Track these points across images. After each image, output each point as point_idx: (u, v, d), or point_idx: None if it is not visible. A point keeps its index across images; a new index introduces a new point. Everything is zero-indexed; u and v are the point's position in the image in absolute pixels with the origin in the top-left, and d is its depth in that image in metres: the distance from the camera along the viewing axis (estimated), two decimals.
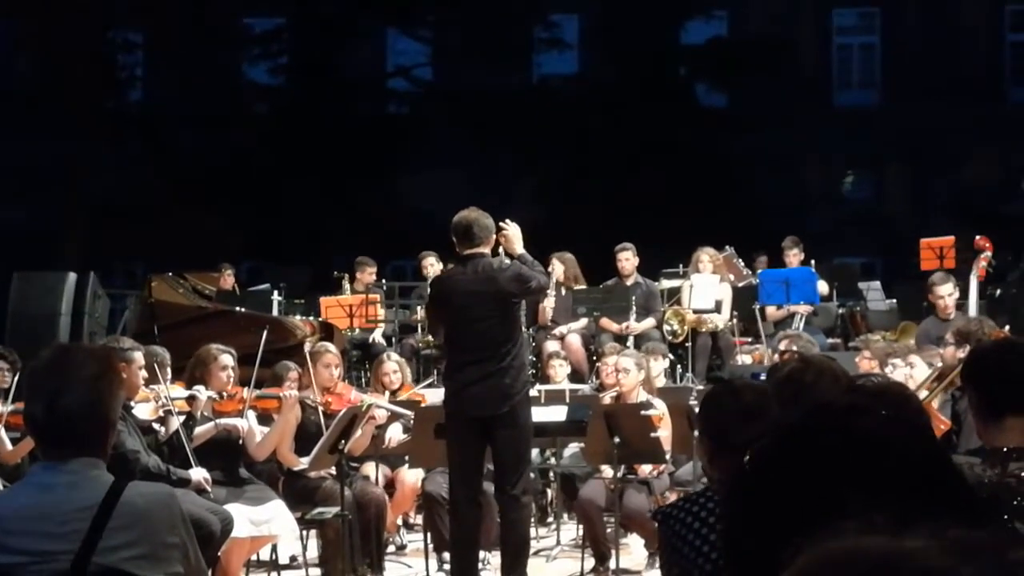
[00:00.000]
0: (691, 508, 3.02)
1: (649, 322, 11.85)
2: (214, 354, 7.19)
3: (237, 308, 10.98)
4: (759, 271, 12.90)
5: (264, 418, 7.43)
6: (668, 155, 21.42)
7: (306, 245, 19.98)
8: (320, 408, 7.78)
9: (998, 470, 3.18)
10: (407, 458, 8.37)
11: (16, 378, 8.14)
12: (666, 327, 11.92)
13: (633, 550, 8.28)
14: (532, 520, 7.82)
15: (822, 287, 12.55)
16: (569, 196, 21.86)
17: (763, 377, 4.46)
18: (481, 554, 7.27)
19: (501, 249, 6.94)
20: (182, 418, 6.81)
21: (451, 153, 21.74)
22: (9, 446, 7.09)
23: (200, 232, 19.18)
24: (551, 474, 9.21)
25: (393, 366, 8.94)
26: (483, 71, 22.69)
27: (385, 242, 15.88)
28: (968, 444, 6.06)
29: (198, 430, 6.89)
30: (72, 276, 12.04)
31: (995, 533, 0.92)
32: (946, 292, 9.70)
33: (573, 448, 8.91)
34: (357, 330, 12.16)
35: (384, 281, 14.15)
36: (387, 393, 8.79)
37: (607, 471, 7.77)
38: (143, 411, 6.77)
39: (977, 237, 10.21)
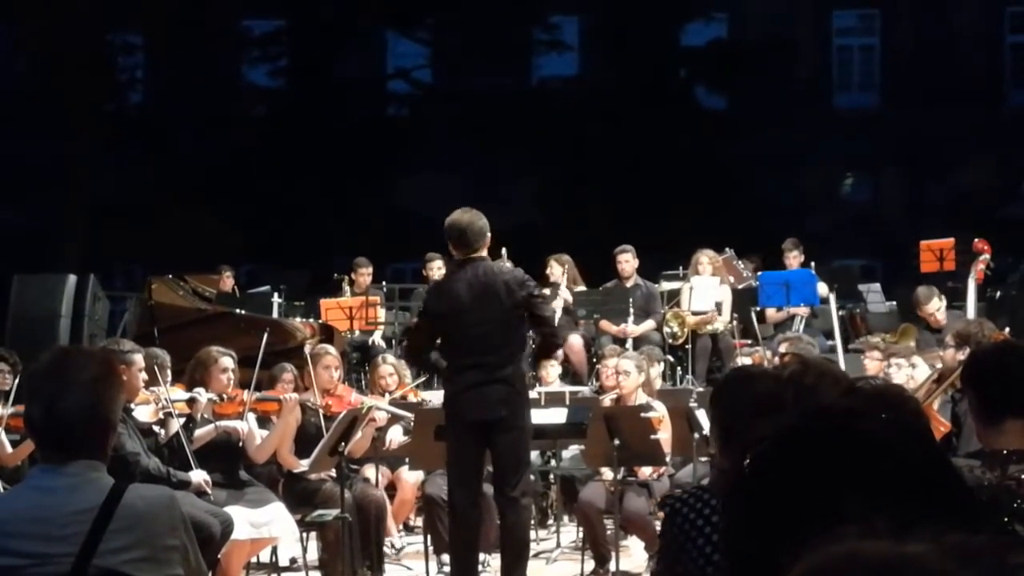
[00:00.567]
0: (695, 504, 2.99)
1: (648, 324, 11.86)
2: (214, 356, 7.19)
3: (237, 310, 10.98)
4: (758, 273, 12.91)
5: (264, 420, 7.43)
6: (668, 157, 21.42)
7: (306, 247, 19.99)
8: (320, 410, 7.79)
9: (997, 473, 3.19)
10: (407, 460, 8.38)
11: (16, 380, 8.16)
12: (666, 329, 11.93)
13: (633, 552, 8.28)
14: (532, 522, 7.81)
15: (822, 289, 12.55)
16: (569, 198, 21.86)
17: None
18: (481, 556, 7.27)
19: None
20: (182, 420, 6.81)
21: (451, 155, 21.74)
22: (9, 449, 7.09)
23: (200, 234, 19.18)
24: (551, 476, 9.21)
25: (389, 368, 8.95)
26: (482, 73, 22.69)
27: (385, 244, 15.88)
28: (968, 446, 6.06)
29: (198, 432, 6.89)
30: (72, 278, 12.03)
31: (994, 537, 0.92)
32: (933, 308, 9.75)
33: (573, 450, 8.92)
34: (357, 332, 12.16)
35: (384, 283, 14.15)
36: (386, 395, 8.80)
37: (607, 473, 7.77)
38: (143, 413, 6.76)
39: (976, 240, 10.21)
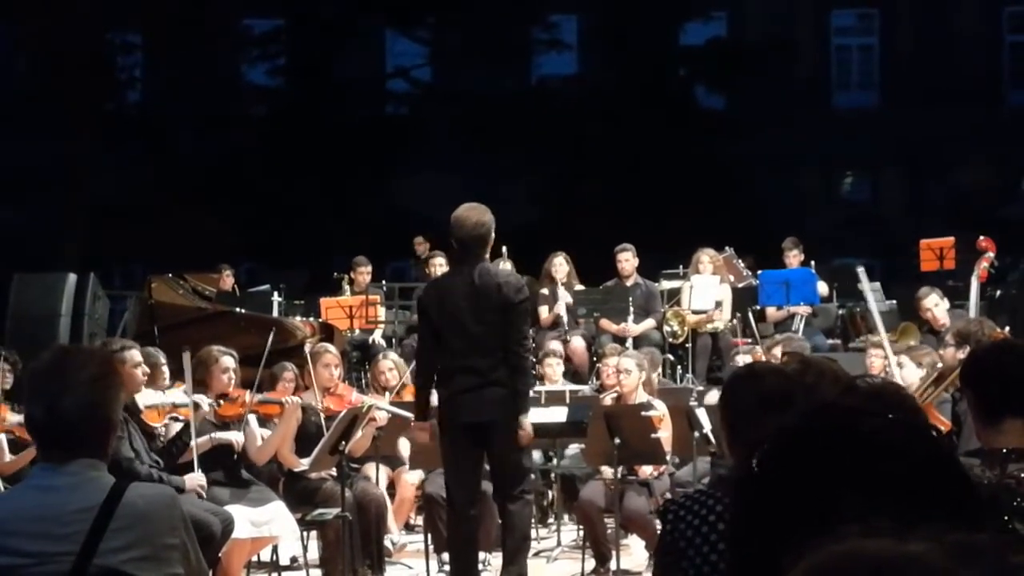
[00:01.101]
0: (698, 509, 2.98)
1: (648, 323, 11.86)
2: (215, 356, 7.18)
3: (237, 309, 10.98)
4: (759, 272, 12.91)
5: (265, 420, 7.43)
6: (667, 156, 21.43)
7: (305, 246, 20.00)
8: (320, 409, 7.79)
9: (997, 471, 3.19)
10: (407, 459, 8.38)
11: (16, 379, 8.16)
12: (666, 328, 11.93)
13: (634, 551, 8.28)
14: (532, 521, 7.80)
15: (822, 288, 12.55)
16: (568, 197, 21.87)
17: None
18: (481, 555, 7.27)
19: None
20: (180, 424, 6.81)
21: (450, 154, 21.74)
22: (8, 457, 7.07)
23: (199, 233, 19.18)
24: (551, 475, 9.22)
25: (389, 364, 8.97)
26: (482, 72, 22.70)
27: (384, 243, 15.89)
28: (968, 445, 6.05)
29: (198, 440, 6.85)
30: (72, 277, 12.03)
31: (996, 536, 0.92)
32: (932, 304, 9.69)
33: (573, 449, 8.92)
34: (357, 331, 12.16)
35: (384, 282, 14.15)
36: (387, 394, 8.81)
37: (607, 472, 7.77)
38: (151, 415, 6.77)
39: (980, 238, 10.17)
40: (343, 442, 7.14)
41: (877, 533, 0.94)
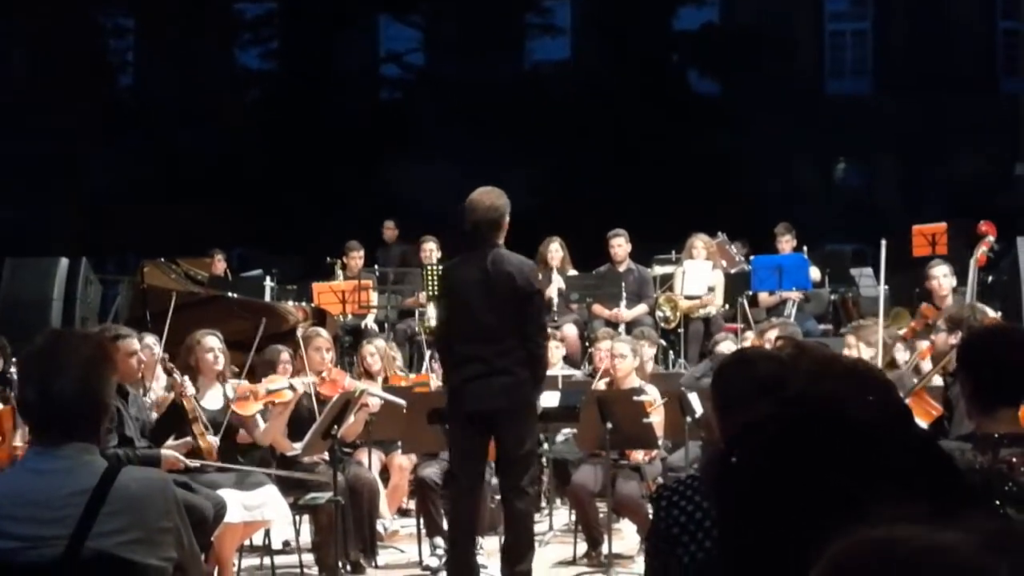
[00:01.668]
0: (691, 495, 2.97)
1: (640, 309, 11.86)
2: (198, 338, 7.16)
3: (229, 294, 10.96)
4: (751, 258, 12.92)
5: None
6: (660, 142, 21.42)
7: (298, 231, 19.97)
8: (313, 394, 7.79)
9: (989, 456, 3.20)
10: (400, 444, 8.40)
11: (6, 364, 8.15)
12: (658, 313, 11.94)
13: (626, 535, 8.30)
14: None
15: (814, 273, 12.57)
16: (562, 182, 21.84)
17: None
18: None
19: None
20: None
21: (443, 139, 21.71)
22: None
23: (191, 218, 19.14)
24: (544, 460, 9.23)
25: (371, 350, 8.97)
26: (475, 57, 22.65)
27: (377, 228, 15.85)
28: (960, 430, 6.07)
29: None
30: (64, 262, 12.01)
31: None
32: (940, 273, 9.71)
33: (565, 434, 8.92)
34: (349, 316, 12.16)
35: (376, 267, 14.15)
36: (378, 379, 8.82)
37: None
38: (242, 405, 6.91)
39: (981, 223, 10.16)
40: (335, 426, 7.14)
41: (910, 519, 0.93)
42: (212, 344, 7.11)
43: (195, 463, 6.65)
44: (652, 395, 7.94)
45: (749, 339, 10.04)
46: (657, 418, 7.73)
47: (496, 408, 6.40)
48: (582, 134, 21.70)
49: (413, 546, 8.00)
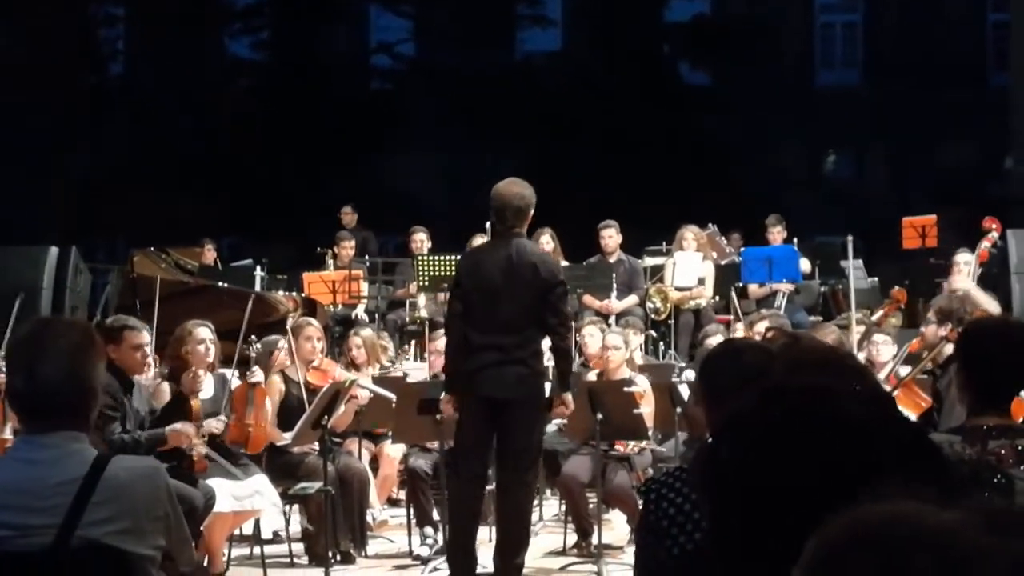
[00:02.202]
0: (678, 486, 2.96)
1: (631, 300, 11.87)
2: (189, 329, 7.13)
3: (219, 283, 10.95)
4: (740, 248, 12.93)
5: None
6: (651, 133, 21.41)
7: (288, 221, 19.93)
8: (302, 383, 7.78)
9: (978, 447, 3.21)
10: (390, 434, 8.40)
11: None
12: (649, 305, 11.95)
13: (616, 526, 8.31)
14: None
15: (804, 265, 12.58)
16: (552, 174, 21.79)
17: None
18: None
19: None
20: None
21: (434, 130, 21.68)
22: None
23: (181, 207, 19.10)
24: None
25: (358, 341, 8.95)
26: (466, 48, 22.62)
27: (368, 218, 15.84)
28: (949, 422, 6.09)
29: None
30: (53, 250, 11.97)
31: None
32: (962, 260, 9.75)
33: (555, 424, 8.92)
34: (340, 306, 12.15)
35: (367, 257, 14.14)
36: (369, 370, 8.81)
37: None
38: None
39: (986, 218, 10.18)
40: (325, 417, 7.13)
41: (917, 497, 0.93)
42: (204, 335, 7.08)
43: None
44: (643, 386, 7.96)
45: (739, 330, 10.05)
46: (647, 409, 7.74)
47: (509, 398, 6.40)
48: (573, 126, 21.68)
49: (403, 536, 8.00)
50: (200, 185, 20.68)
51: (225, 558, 7.17)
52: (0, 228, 15.85)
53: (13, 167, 20.35)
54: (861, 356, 8.64)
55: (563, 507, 8.21)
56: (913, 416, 6.32)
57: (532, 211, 6.57)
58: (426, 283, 11.43)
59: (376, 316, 12.66)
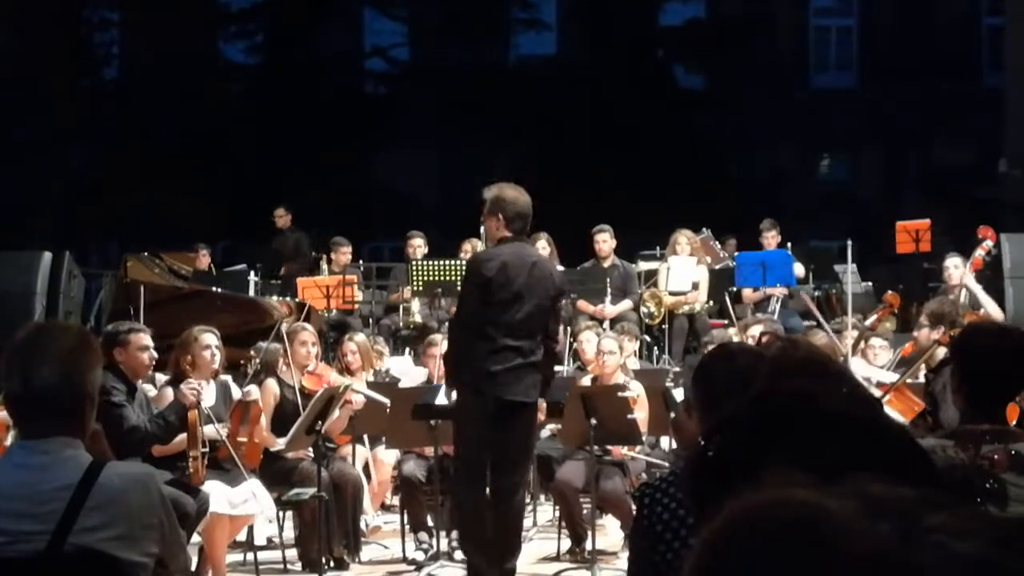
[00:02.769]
0: (672, 492, 2.95)
1: (625, 304, 11.88)
2: (195, 335, 7.11)
3: (214, 288, 10.94)
4: (735, 254, 12.95)
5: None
6: (645, 136, 21.43)
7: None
8: (297, 388, 7.77)
9: (971, 452, 3.21)
10: (384, 440, 8.39)
11: None
12: (643, 309, 11.96)
13: (609, 531, 8.31)
14: None
15: (798, 269, 12.60)
16: (546, 178, 21.81)
17: None
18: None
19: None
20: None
21: (428, 134, 21.70)
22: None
23: (175, 211, 19.09)
24: None
25: (352, 347, 8.92)
26: (460, 51, 22.64)
27: (362, 223, 15.85)
28: (947, 424, 6.10)
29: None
30: (47, 255, 11.94)
31: (923, 494, 0.92)
32: (951, 264, 9.84)
33: (549, 429, 8.93)
34: (334, 311, 12.14)
35: (361, 262, 14.13)
36: (364, 375, 8.80)
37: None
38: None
39: (980, 227, 10.25)
40: (320, 422, 7.12)
41: (800, 484, 0.94)
42: (209, 341, 7.06)
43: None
44: (636, 391, 7.96)
45: (732, 335, 10.07)
46: (641, 414, 7.74)
47: (525, 401, 6.45)
48: (567, 129, 21.70)
49: (396, 541, 8.00)
50: (194, 189, 20.66)
51: None
52: None
53: (6, 170, 20.33)
54: (856, 360, 8.67)
55: (557, 512, 8.20)
56: (906, 420, 6.32)
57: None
58: (420, 288, 11.44)
59: (371, 321, 12.66)
